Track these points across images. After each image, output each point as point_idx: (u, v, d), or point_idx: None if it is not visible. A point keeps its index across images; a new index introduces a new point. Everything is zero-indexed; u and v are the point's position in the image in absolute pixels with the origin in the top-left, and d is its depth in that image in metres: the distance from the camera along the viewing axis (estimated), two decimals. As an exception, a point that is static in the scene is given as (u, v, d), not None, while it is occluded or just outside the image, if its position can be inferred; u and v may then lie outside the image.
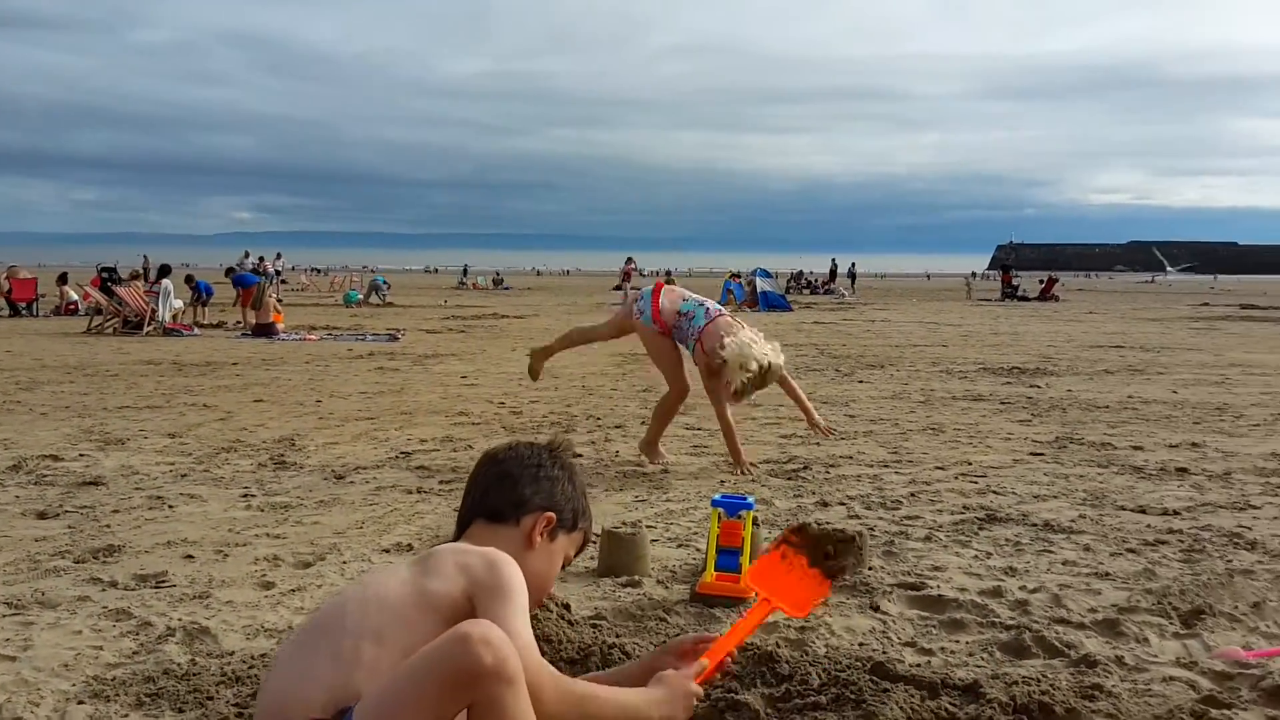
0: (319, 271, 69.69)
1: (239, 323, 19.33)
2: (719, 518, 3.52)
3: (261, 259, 33.32)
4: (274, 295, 21.24)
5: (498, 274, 56.38)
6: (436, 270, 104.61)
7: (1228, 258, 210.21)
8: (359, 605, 1.96)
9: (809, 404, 6.52)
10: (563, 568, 2.31)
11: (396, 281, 49.85)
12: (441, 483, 5.58)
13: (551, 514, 2.21)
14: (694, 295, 6.43)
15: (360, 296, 30.32)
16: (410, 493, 5.33)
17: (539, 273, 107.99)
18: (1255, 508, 5.02)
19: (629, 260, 33.43)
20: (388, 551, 4.22)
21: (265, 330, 17.05)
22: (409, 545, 4.30)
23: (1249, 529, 4.57)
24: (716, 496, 3.57)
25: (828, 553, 2.35)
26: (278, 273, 33.78)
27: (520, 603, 1.95)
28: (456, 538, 2.22)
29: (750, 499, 3.57)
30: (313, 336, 17.09)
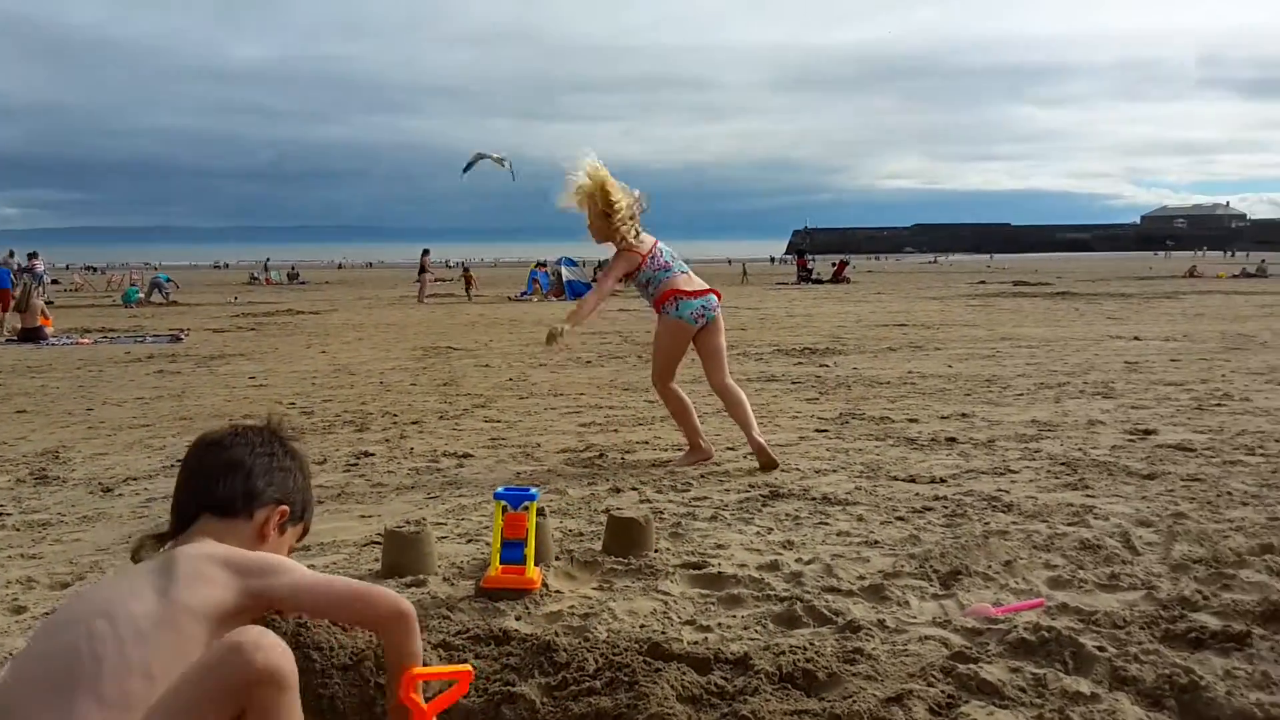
0: (94, 270, 65.26)
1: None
2: (503, 510, 3.50)
3: (31, 256, 30.92)
4: (41, 297, 19.76)
5: (292, 268, 54.26)
6: (227, 266, 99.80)
7: (1003, 238, 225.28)
8: (108, 640, 1.75)
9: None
10: None
11: (183, 279, 47.29)
12: (221, 489, 5.32)
13: (285, 507, 2.13)
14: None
15: (140, 295, 28.59)
16: (186, 502, 5.06)
17: (341, 266, 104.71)
18: (1014, 472, 5.40)
19: (425, 252, 33.03)
20: (156, 565, 4.00)
21: (32, 335, 15.83)
22: (181, 557, 4.08)
23: (1007, 492, 4.91)
24: (500, 490, 3.54)
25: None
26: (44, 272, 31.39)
27: (294, 564, 2.04)
28: (178, 531, 2.06)
29: (534, 490, 3.57)
30: (86, 340, 15.99)
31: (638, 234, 5.89)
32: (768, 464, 5.56)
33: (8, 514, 4.89)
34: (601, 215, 5.77)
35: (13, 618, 3.48)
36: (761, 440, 5.67)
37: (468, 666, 2.27)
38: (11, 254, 30.85)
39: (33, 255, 30.37)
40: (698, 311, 5.91)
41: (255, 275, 51.05)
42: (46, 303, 20.61)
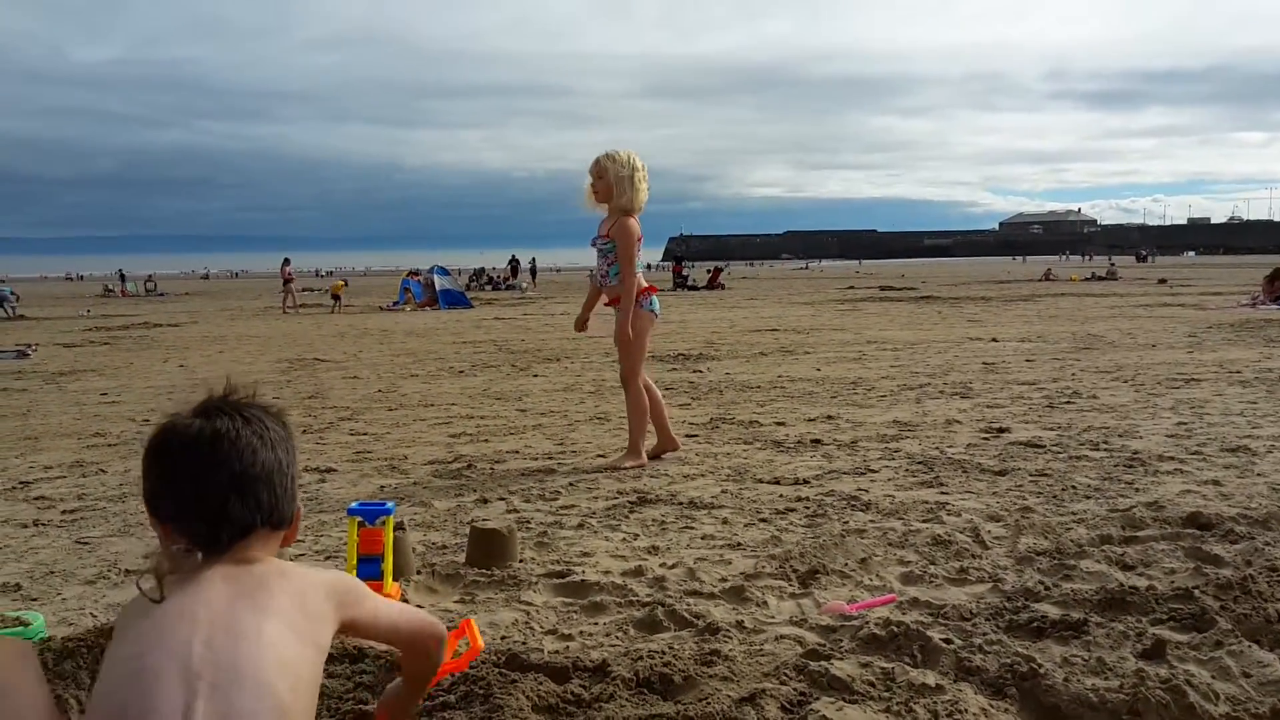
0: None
1: None
2: (358, 526, 3.41)
3: None
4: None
5: (149, 279, 52.10)
6: (81, 277, 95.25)
7: (871, 244, 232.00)
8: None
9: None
10: None
11: (33, 291, 45.00)
12: (65, 512, 5.06)
13: (300, 508, 1.86)
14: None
15: (-14, 310, 27.06)
16: (25, 526, 4.79)
17: (207, 276, 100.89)
18: (874, 471, 5.54)
19: (286, 261, 32.29)
20: (-12, 595, 3.77)
21: None
22: (17, 585, 3.86)
23: (866, 491, 5.04)
24: (353, 505, 3.46)
25: None
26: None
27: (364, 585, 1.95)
28: (226, 545, 1.69)
29: (390, 504, 3.49)
30: (-77, 357, 15.02)
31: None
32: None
33: None
34: (626, 179, 5.84)
35: None
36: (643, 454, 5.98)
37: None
38: None
39: None
40: (657, 307, 6.17)
41: (110, 287, 48.86)
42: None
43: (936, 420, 7.20)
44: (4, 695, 1.57)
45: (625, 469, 5.82)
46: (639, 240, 5.97)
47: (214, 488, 1.66)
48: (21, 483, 5.85)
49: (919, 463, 5.70)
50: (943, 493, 4.97)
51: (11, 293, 29.00)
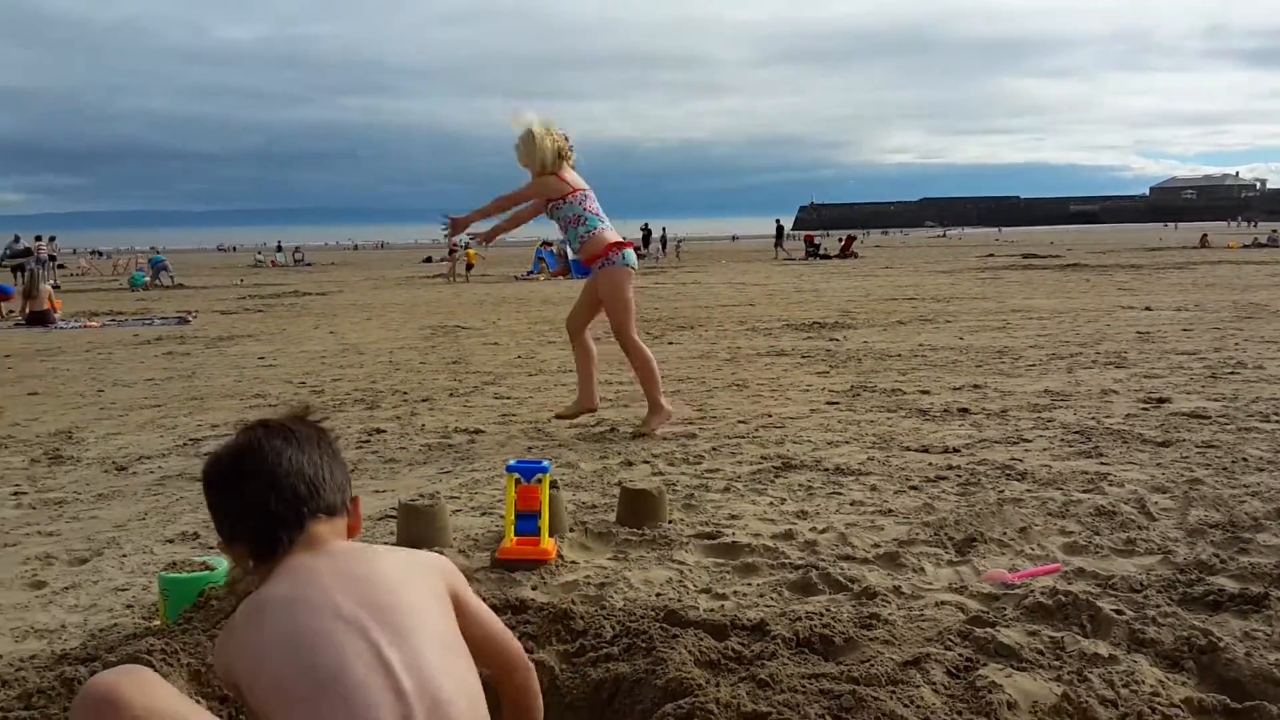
0: (100, 254, 65.40)
1: (11, 311, 17.91)
2: (516, 483, 3.50)
3: (38, 238, 30.96)
4: (51, 281, 19.83)
5: (297, 249, 54.22)
6: (234, 249, 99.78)
7: (1012, 211, 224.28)
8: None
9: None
10: None
11: (187, 261, 47.39)
12: (234, 467, 5.34)
13: (357, 496, 1.93)
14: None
15: (147, 279, 28.62)
16: (198, 480, 5.04)
17: (356, 247, 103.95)
18: (1027, 441, 5.38)
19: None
20: (171, 541, 4.02)
21: (40, 319, 15.87)
22: (195, 534, 4.10)
23: (1020, 460, 4.89)
24: (511, 462, 3.54)
25: None
26: (52, 258, 31.44)
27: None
28: (288, 545, 1.73)
29: (546, 463, 3.56)
30: (94, 323, 16.03)
31: (562, 168, 6.05)
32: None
33: (24, 493, 4.91)
34: (529, 139, 5.97)
35: (32, 593, 3.50)
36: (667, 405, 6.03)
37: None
38: (17, 239, 30.88)
39: (39, 239, 30.41)
40: (633, 261, 6.18)
41: (260, 258, 51.07)
42: (54, 287, 20.66)
43: (1091, 390, 6.94)
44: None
45: (654, 431, 5.87)
46: (566, 194, 6.02)
47: (251, 495, 1.73)
48: (191, 439, 6.19)
49: (1075, 433, 5.50)
50: (1103, 463, 4.79)
51: (163, 260, 30.59)
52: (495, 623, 1.94)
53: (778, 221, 48.31)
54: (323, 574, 1.68)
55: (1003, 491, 4.31)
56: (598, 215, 6.10)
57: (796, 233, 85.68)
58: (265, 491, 1.72)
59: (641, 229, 50.23)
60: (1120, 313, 12.93)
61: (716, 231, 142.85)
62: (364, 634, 1.59)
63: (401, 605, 1.66)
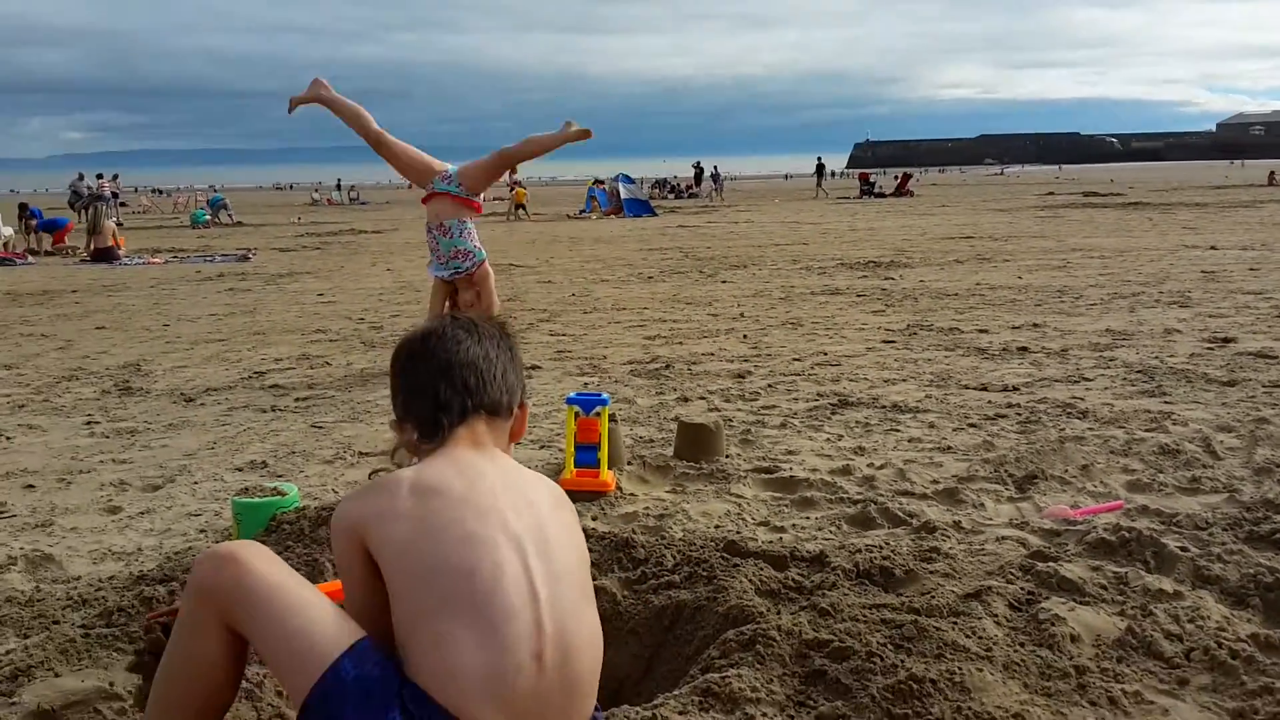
0: (161, 192, 66.35)
1: (75, 248, 18.26)
2: (575, 415, 3.53)
3: (100, 176, 31.44)
4: (114, 218, 20.17)
5: (352, 188, 54.52)
6: (291, 187, 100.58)
7: (1072, 148, 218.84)
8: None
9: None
10: None
11: (246, 200, 47.87)
12: (297, 400, 5.45)
13: (528, 405, 1.94)
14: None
15: (208, 217, 29.00)
16: (264, 411, 5.19)
17: (411, 186, 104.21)
18: (1089, 380, 5.32)
19: (512, 170, 32.46)
20: (240, 470, 4.12)
21: (105, 255, 16.18)
22: (263, 463, 4.20)
23: (1081, 399, 4.84)
24: (572, 395, 3.58)
25: None
26: (115, 195, 31.94)
27: None
28: (448, 429, 1.76)
29: (606, 396, 3.60)
30: (157, 260, 16.31)
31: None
32: None
33: (97, 422, 5.05)
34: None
35: (108, 517, 3.62)
36: None
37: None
38: (81, 176, 31.39)
39: (100, 177, 30.86)
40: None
41: (316, 196, 51.43)
42: (117, 224, 21.02)
43: (1154, 329, 6.82)
44: (281, 586, 1.64)
45: None
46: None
47: (426, 376, 1.79)
48: (256, 372, 6.32)
49: (1137, 371, 5.43)
50: (1166, 402, 4.72)
51: (223, 199, 30.94)
52: None
53: (819, 159, 46.62)
54: (494, 482, 1.70)
55: (1064, 429, 4.27)
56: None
57: (850, 170, 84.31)
58: (438, 377, 1.78)
59: (694, 166, 49.73)
60: (1184, 252, 12.62)
61: (770, 170, 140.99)
62: (524, 559, 1.61)
63: (552, 539, 1.68)
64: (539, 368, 6.21)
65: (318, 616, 1.58)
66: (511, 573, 1.59)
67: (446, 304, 6.06)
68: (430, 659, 1.54)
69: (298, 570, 2.49)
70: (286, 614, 1.57)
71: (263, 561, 1.63)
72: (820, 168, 44.27)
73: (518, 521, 1.65)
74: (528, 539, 1.64)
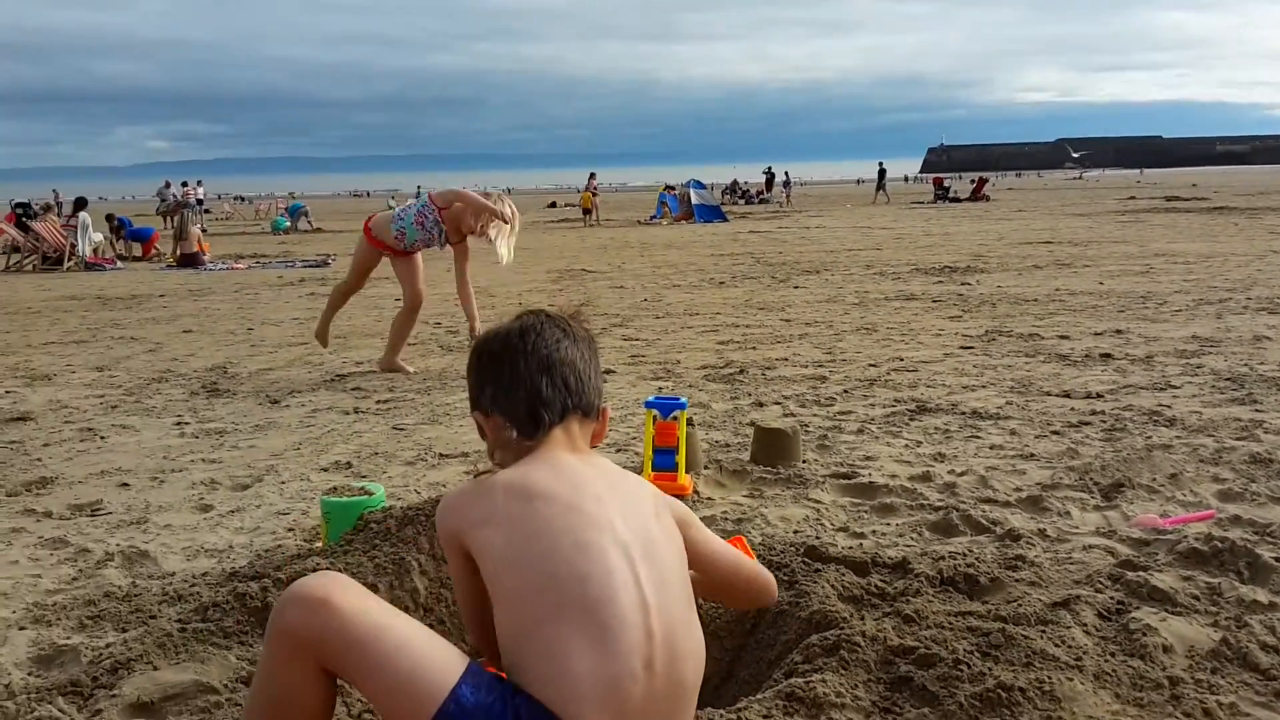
0: (244, 199, 68.09)
1: (161, 253, 18.81)
2: (654, 419, 3.55)
3: (185, 184, 32.36)
4: (199, 225, 20.73)
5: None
6: (369, 194, 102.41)
7: (1154, 152, 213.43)
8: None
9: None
10: None
11: (325, 207, 48.82)
12: (378, 402, 5.56)
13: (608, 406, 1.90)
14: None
15: (288, 224, 29.69)
16: (347, 413, 5.30)
17: (509, 190, 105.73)
18: (1175, 387, 5.20)
19: (591, 175, 32.69)
20: (326, 470, 4.22)
21: (191, 260, 16.66)
22: (348, 463, 4.29)
23: (1168, 407, 4.73)
24: (650, 398, 3.60)
25: None
26: (200, 201, 32.85)
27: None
28: (549, 426, 1.75)
29: (684, 400, 3.61)
30: (240, 265, 16.74)
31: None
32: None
33: (186, 423, 5.21)
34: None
35: (200, 515, 3.73)
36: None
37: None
38: (167, 184, 32.35)
39: (185, 184, 31.73)
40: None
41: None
42: (202, 230, 21.61)
43: (1243, 336, 6.63)
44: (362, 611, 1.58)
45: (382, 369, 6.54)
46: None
47: (526, 371, 1.76)
48: (338, 375, 6.45)
49: (1226, 379, 5.29)
50: (1257, 410, 4.59)
51: (302, 206, 31.68)
52: (737, 559, 1.97)
53: (880, 164, 45.71)
54: (598, 487, 1.68)
55: (1150, 437, 4.18)
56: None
57: (924, 175, 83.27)
58: (540, 373, 1.75)
59: (764, 172, 49.54)
60: (1272, 257, 12.25)
61: (840, 175, 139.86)
62: (632, 566, 1.60)
63: (658, 545, 1.67)
64: (613, 372, 6.25)
65: (423, 650, 1.54)
66: (622, 580, 1.58)
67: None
68: (543, 666, 1.53)
69: (385, 569, 2.57)
70: (396, 654, 1.52)
71: (354, 598, 1.57)
72: (881, 172, 43.49)
73: (625, 527, 1.64)
74: (635, 545, 1.63)
